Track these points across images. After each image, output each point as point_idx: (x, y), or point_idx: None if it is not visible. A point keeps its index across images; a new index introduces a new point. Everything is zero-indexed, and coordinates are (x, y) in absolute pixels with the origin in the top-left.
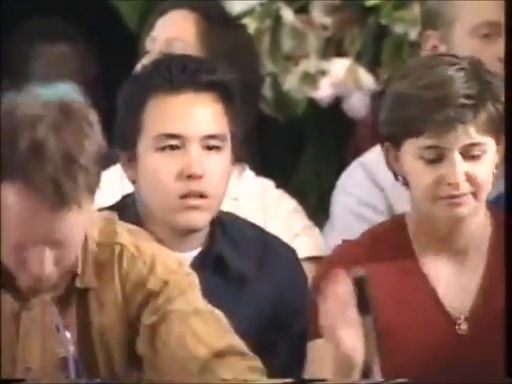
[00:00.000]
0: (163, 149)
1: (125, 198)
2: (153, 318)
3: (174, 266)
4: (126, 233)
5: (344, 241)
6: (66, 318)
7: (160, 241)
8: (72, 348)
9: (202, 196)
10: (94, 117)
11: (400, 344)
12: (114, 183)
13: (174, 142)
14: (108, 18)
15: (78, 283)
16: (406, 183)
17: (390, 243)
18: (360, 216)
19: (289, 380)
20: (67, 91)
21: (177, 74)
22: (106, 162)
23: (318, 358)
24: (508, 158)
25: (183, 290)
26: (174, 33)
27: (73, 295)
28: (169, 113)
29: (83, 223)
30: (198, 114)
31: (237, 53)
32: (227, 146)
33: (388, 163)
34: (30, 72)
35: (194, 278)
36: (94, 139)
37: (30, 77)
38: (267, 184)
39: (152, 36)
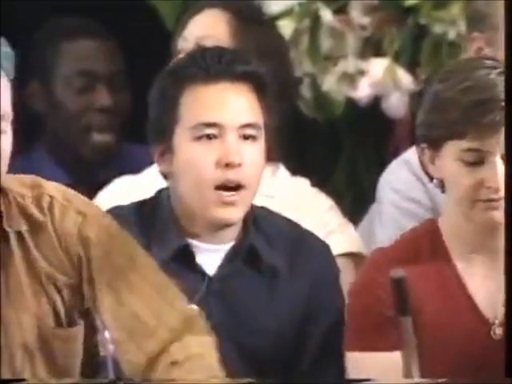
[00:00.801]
0: (200, 138)
1: (159, 192)
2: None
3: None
4: (55, 188)
5: (379, 248)
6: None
7: (194, 234)
8: (111, 348)
9: (238, 186)
10: None
11: (435, 346)
12: (147, 185)
13: (211, 130)
14: (146, 18)
15: (5, 224)
16: (441, 186)
17: (425, 247)
18: (406, 211)
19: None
20: None
21: (213, 63)
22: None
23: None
24: (508, 157)
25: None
26: (206, 31)
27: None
28: (206, 102)
29: None
30: (235, 103)
31: (268, 52)
32: (262, 137)
33: (423, 165)
34: (56, 70)
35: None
36: None
37: (57, 74)
38: (302, 182)
39: (184, 35)
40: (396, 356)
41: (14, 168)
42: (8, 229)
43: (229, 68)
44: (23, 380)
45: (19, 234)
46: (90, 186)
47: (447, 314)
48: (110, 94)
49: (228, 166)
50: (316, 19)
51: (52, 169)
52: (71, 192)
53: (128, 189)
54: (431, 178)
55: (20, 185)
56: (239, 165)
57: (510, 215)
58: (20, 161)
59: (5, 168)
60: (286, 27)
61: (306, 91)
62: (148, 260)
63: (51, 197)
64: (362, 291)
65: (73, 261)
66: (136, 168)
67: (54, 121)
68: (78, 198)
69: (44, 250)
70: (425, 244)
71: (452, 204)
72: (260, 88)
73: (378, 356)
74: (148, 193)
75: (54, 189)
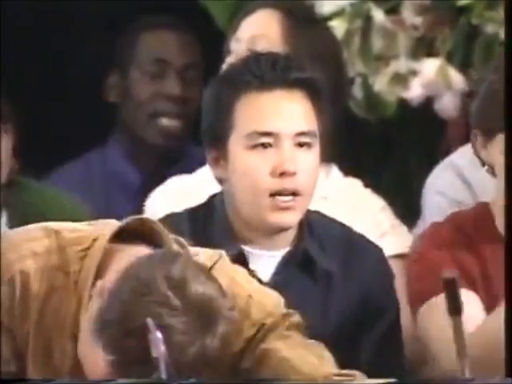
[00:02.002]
0: (255, 147)
1: (212, 197)
2: (249, 362)
3: (270, 307)
4: (222, 279)
5: (433, 223)
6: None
7: (249, 240)
8: (163, 348)
9: (294, 194)
10: None
11: None
12: (201, 185)
13: (266, 139)
14: (197, 18)
15: None
16: (491, 171)
17: (477, 227)
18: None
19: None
20: None
21: (267, 70)
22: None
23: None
24: (508, 157)
25: (278, 329)
26: (259, 32)
27: None
28: (261, 110)
29: None
30: (290, 111)
31: (321, 52)
32: (317, 143)
33: (475, 149)
34: (133, 58)
35: (293, 318)
36: None
37: (134, 63)
38: (355, 183)
39: (237, 36)
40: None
41: (89, 160)
42: None
43: (283, 75)
44: (24, 380)
45: None
46: (158, 182)
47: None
48: (179, 84)
49: (283, 174)
50: (368, 19)
51: (122, 162)
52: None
53: (180, 189)
54: (483, 163)
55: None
56: (294, 173)
57: (510, 215)
58: (94, 153)
59: None
60: (338, 28)
61: (357, 92)
62: None
63: None
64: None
65: None
66: (193, 167)
67: (126, 110)
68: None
69: None
70: (478, 224)
71: (501, 189)
72: (314, 94)
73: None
74: (199, 194)
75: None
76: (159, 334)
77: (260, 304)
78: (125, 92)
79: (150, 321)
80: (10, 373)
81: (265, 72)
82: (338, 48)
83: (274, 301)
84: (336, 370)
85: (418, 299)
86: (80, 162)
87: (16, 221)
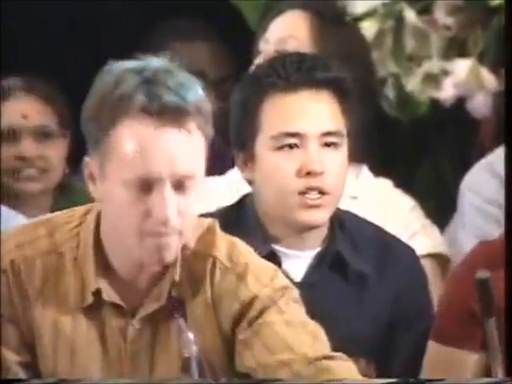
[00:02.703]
0: (281, 148)
1: (244, 197)
2: (246, 333)
3: (267, 279)
4: (223, 245)
5: (481, 242)
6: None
7: (280, 240)
8: (195, 348)
9: (321, 193)
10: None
11: None
12: (231, 187)
13: (292, 140)
14: (231, 19)
15: (174, 292)
16: None
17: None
18: (489, 215)
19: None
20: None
21: (292, 71)
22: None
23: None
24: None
25: (275, 303)
26: (288, 33)
27: (173, 306)
28: (287, 111)
29: (199, 157)
30: (316, 112)
31: (350, 53)
32: (344, 143)
33: None
34: None
35: (290, 292)
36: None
37: None
38: (386, 183)
39: (265, 37)
40: (475, 358)
41: None
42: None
43: (309, 76)
44: (25, 380)
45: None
46: None
47: None
48: (216, 98)
49: (309, 174)
50: (400, 20)
51: None
52: (239, 248)
53: (211, 190)
54: None
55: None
56: (321, 173)
57: (510, 216)
58: None
59: None
60: (370, 28)
61: (389, 92)
62: None
63: (214, 257)
64: (461, 283)
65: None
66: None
67: None
68: (243, 256)
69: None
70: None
71: None
72: (341, 94)
73: (459, 353)
74: (230, 195)
75: (222, 246)
76: (191, 335)
77: (257, 273)
78: None
79: (181, 321)
80: (24, 362)
81: (290, 73)
82: (366, 48)
83: (270, 273)
84: (328, 352)
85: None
86: None
87: None
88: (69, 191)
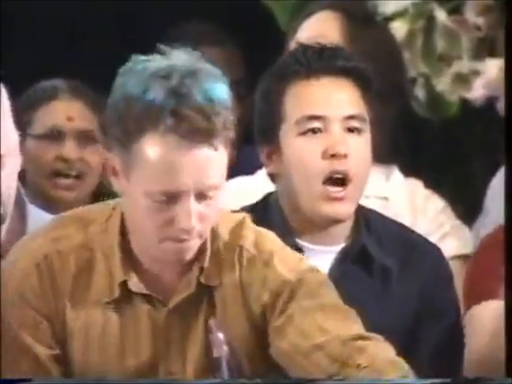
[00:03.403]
0: (305, 133)
1: (268, 195)
2: (280, 320)
3: (293, 262)
4: (250, 235)
5: (499, 226)
6: (198, 317)
7: (304, 235)
8: (225, 348)
9: (345, 179)
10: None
11: None
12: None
13: (316, 124)
14: (261, 19)
15: (202, 279)
16: None
17: None
18: None
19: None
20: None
21: (314, 60)
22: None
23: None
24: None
25: (305, 286)
26: (318, 34)
27: (202, 294)
28: (309, 96)
29: (222, 170)
30: (338, 96)
31: (380, 53)
32: (367, 129)
33: None
34: None
35: (318, 275)
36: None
37: None
38: (416, 184)
39: (296, 39)
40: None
41: None
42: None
43: (330, 64)
44: (29, 380)
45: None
46: None
47: None
48: (233, 102)
49: (334, 156)
50: (430, 20)
51: None
52: (265, 237)
53: (241, 191)
54: None
55: (224, 225)
56: (345, 155)
57: (509, 216)
58: None
59: None
60: (401, 28)
61: (419, 92)
62: None
63: (240, 246)
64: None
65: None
66: (251, 170)
67: None
68: (268, 244)
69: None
70: None
71: None
72: (363, 83)
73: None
74: (260, 195)
75: (249, 236)
76: (221, 335)
77: (283, 258)
78: None
79: (212, 321)
80: (57, 355)
81: (311, 61)
82: (397, 48)
83: (296, 257)
84: (363, 332)
85: (471, 299)
86: None
87: None
88: (105, 198)
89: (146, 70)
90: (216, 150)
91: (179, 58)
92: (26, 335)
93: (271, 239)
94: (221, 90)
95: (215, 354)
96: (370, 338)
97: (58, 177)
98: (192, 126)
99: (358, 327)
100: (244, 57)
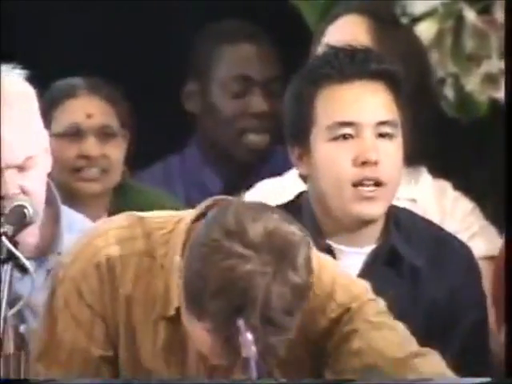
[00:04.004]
0: (336, 138)
1: (299, 195)
2: (335, 343)
3: (355, 293)
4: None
5: None
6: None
7: (335, 236)
8: (254, 349)
9: (376, 184)
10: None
11: None
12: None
13: (347, 130)
14: (290, 19)
15: None
16: None
17: None
18: None
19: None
20: None
21: (346, 63)
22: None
23: None
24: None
25: (364, 314)
26: (345, 37)
27: None
28: (341, 101)
29: None
30: (370, 101)
31: (408, 54)
32: (399, 134)
33: None
34: (214, 72)
35: (378, 304)
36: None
37: (213, 77)
38: (444, 185)
39: (323, 43)
40: None
41: (168, 165)
42: None
43: (362, 67)
44: (24, 380)
45: None
46: (239, 188)
47: None
48: (265, 100)
49: (365, 164)
50: (459, 19)
51: (202, 168)
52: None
53: (271, 192)
54: None
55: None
56: (376, 162)
57: (509, 217)
58: (173, 158)
59: None
60: (430, 28)
61: (449, 92)
62: None
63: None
64: None
65: None
66: (281, 171)
67: (207, 122)
68: (326, 278)
69: None
70: None
71: None
72: (395, 86)
73: None
74: (290, 196)
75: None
76: (250, 335)
77: (346, 287)
78: (205, 105)
79: (241, 322)
80: (108, 357)
81: (344, 64)
82: (423, 50)
83: (360, 286)
84: (416, 348)
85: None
86: (161, 163)
87: None
88: (126, 191)
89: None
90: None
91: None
92: (80, 334)
93: (331, 266)
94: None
95: (244, 355)
96: (423, 355)
97: (80, 172)
98: None
99: (411, 344)
100: (279, 55)
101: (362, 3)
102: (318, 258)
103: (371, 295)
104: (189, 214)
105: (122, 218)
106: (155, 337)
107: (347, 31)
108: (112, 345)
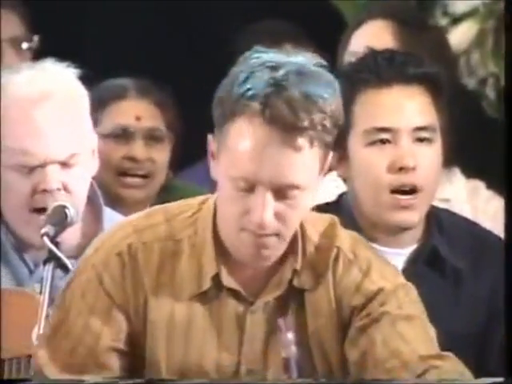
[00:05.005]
0: (374, 143)
1: (340, 196)
2: (364, 321)
3: (390, 274)
4: (345, 237)
5: None
6: (286, 319)
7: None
8: (294, 349)
9: (413, 190)
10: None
11: None
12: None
13: (384, 135)
14: (331, 19)
15: (296, 282)
16: None
17: None
18: None
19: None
20: None
21: (384, 67)
22: None
23: None
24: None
25: (397, 297)
26: (371, 42)
27: (291, 296)
28: (379, 107)
29: (310, 172)
30: (408, 107)
31: (435, 56)
32: (438, 139)
33: None
34: None
35: (410, 289)
36: (333, 95)
37: None
38: (478, 185)
39: (350, 51)
40: None
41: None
42: (296, 284)
43: (400, 71)
44: (29, 380)
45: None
46: None
47: None
48: None
49: (402, 170)
50: (500, 19)
51: None
52: (361, 243)
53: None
54: None
55: (314, 227)
56: (413, 168)
57: (509, 216)
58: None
59: None
60: (471, 28)
61: (490, 92)
62: None
63: (338, 248)
64: None
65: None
66: None
67: None
68: (365, 250)
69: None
70: None
71: None
72: (434, 89)
73: None
74: (330, 196)
75: (345, 238)
76: (290, 335)
77: (380, 269)
78: None
79: (281, 321)
80: (119, 350)
81: (382, 68)
82: (452, 53)
83: (393, 269)
84: (438, 351)
85: None
86: (204, 162)
87: None
88: (169, 193)
89: (258, 60)
90: (300, 149)
91: (297, 57)
92: (93, 323)
93: (367, 245)
94: (322, 92)
95: (284, 355)
96: (444, 358)
97: (126, 176)
98: (277, 116)
99: (435, 346)
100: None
101: (385, 8)
102: (355, 237)
103: (403, 279)
104: (212, 196)
105: (143, 211)
106: (190, 320)
107: (373, 36)
108: (127, 338)
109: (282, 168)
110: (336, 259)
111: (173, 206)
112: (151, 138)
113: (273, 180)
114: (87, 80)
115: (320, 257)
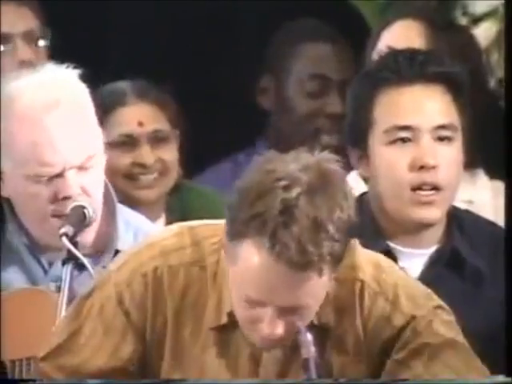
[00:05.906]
0: (394, 142)
1: (361, 195)
2: (403, 353)
3: (421, 300)
4: (366, 266)
5: None
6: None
7: (395, 238)
8: (313, 349)
9: (435, 188)
10: (348, 186)
11: None
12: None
13: (405, 134)
14: (351, 19)
15: (315, 320)
16: None
17: None
18: None
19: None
20: None
21: (405, 66)
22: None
23: None
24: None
25: (431, 322)
26: (400, 43)
27: (311, 333)
28: (400, 105)
29: (319, 293)
30: (429, 105)
31: (463, 57)
32: (458, 137)
33: None
34: (291, 70)
35: (444, 312)
36: (346, 210)
37: (291, 74)
38: (500, 186)
39: (378, 49)
40: None
41: (237, 163)
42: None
43: (421, 70)
44: (33, 380)
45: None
46: None
47: None
48: (341, 101)
49: (422, 168)
50: None
51: None
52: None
53: None
54: None
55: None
56: (434, 167)
57: (509, 217)
58: (244, 157)
59: None
60: (491, 28)
61: None
62: None
63: (362, 281)
64: None
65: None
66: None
67: (280, 119)
68: (389, 276)
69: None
70: None
71: None
72: (455, 88)
73: None
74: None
75: (366, 267)
76: (309, 336)
77: (409, 295)
78: (280, 102)
79: (300, 323)
80: (123, 369)
81: (403, 67)
82: (477, 46)
83: (423, 293)
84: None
85: None
86: (229, 162)
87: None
88: (182, 191)
89: (270, 176)
90: (309, 279)
91: (309, 163)
92: (107, 340)
93: (391, 269)
94: (335, 215)
95: (304, 355)
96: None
97: (137, 180)
98: (285, 254)
99: (480, 366)
100: (355, 56)
101: (415, 8)
102: (378, 260)
103: (436, 301)
104: None
105: (172, 229)
106: (204, 351)
107: (402, 36)
108: (139, 360)
109: (290, 295)
110: (361, 293)
111: (200, 228)
112: (157, 140)
113: (281, 304)
114: (87, 79)
115: (342, 290)
